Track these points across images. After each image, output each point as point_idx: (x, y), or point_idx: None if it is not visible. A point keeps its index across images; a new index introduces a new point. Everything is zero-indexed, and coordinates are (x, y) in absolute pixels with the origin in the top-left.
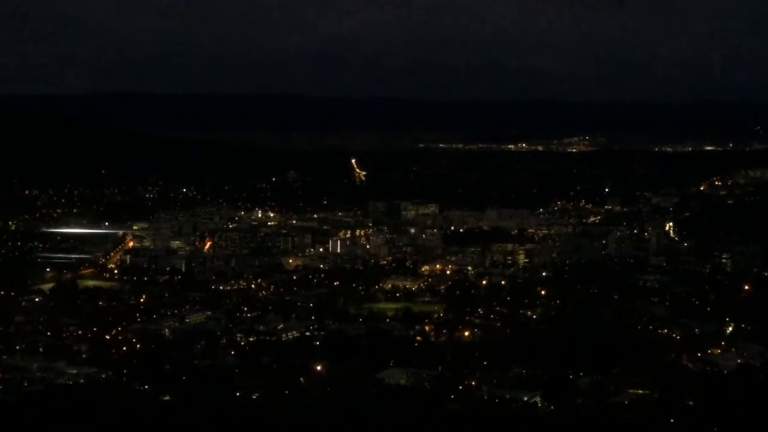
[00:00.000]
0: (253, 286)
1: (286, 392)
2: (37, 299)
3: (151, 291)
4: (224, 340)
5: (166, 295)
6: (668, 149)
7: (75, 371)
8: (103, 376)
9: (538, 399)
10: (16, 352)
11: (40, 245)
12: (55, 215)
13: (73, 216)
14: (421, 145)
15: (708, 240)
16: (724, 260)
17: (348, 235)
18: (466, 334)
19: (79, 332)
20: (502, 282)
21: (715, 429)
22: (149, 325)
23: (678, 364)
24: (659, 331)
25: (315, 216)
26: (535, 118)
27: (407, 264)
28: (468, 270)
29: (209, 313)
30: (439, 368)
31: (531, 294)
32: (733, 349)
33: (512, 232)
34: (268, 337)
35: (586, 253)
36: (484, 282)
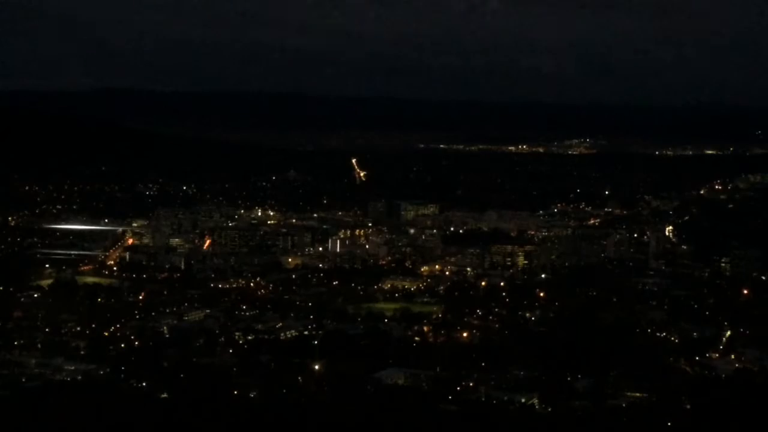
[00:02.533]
0: (252, 284)
1: (284, 391)
2: (35, 295)
3: (150, 288)
4: (222, 339)
5: (165, 292)
6: (669, 153)
7: (73, 368)
8: (101, 372)
9: (535, 401)
10: (14, 348)
11: (39, 241)
12: (54, 211)
13: (72, 212)
14: (422, 146)
15: (707, 244)
16: (723, 264)
17: (347, 235)
18: (465, 335)
19: (78, 329)
20: (501, 283)
21: None
22: (148, 322)
23: (676, 368)
24: (657, 334)
25: (315, 215)
26: (536, 120)
27: (406, 264)
28: (467, 271)
29: (208, 311)
30: (437, 369)
31: (530, 296)
32: (732, 354)
33: (512, 234)
34: (266, 336)
35: (586, 256)
36: (483, 283)
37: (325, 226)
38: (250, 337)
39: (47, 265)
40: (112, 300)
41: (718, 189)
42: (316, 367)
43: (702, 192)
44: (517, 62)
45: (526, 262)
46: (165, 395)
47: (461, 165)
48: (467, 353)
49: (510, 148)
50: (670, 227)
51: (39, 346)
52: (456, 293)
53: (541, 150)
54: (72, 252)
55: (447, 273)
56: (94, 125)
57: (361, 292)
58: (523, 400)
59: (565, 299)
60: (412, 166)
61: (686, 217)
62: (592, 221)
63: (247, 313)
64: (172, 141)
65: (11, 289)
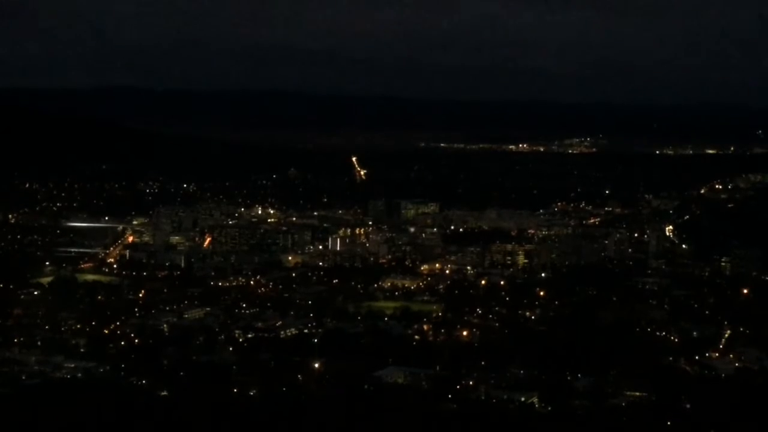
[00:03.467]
0: (252, 282)
1: (284, 389)
2: (36, 293)
3: (150, 286)
4: (222, 337)
5: (165, 290)
6: (669, 152)
7: (73, 365)
8: (101, 370)
9: (535, 400)
10: (14, 345)
11: (40, 239)
12: (54, 209)
13: (72, 210)
14: (422, 145)
15: (708, 243)
16: (723, 264)
17: (348, 233)
18: (465, 334)
19: (78, 326)
20: (501, 282)
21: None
22: (148, 320)
23: (676, 367)
24: (657, 333)
25: (315, 213)
26: (537, 120)
27: (406, 263)
28: (467, 270)
29: (208, 309)
30: (437, 368)
31: (530, 295)
32: (731, 354)
33: (512, 233)
34: (266, 334)
35: (586, 255)
36: (483, 282)
37: (325, 225)
38: (250, 336)
39: (47, 263)
40: (112, 298)
41: (718, 188)
42: (316, 365)
43: (702, 191)
44: (519, 62)
45: (526, 261)
46: (165, 393)
47: (461, 164)
48: (467, 352)
49: (510, 147)
50: (671, 226)
51: (39, 343)
52: (456, 292)
53: (541, 149)
54: (72, 249)
55: (447, 272)
56: (95, 124)
57: (361, 291)
58: (522, 399)
59: (565, 298)
60: (413, 165)
61: (686, 217)
62: (592, 220)
63: (247, 312)
64: (173, 139)
65: (11, 286)
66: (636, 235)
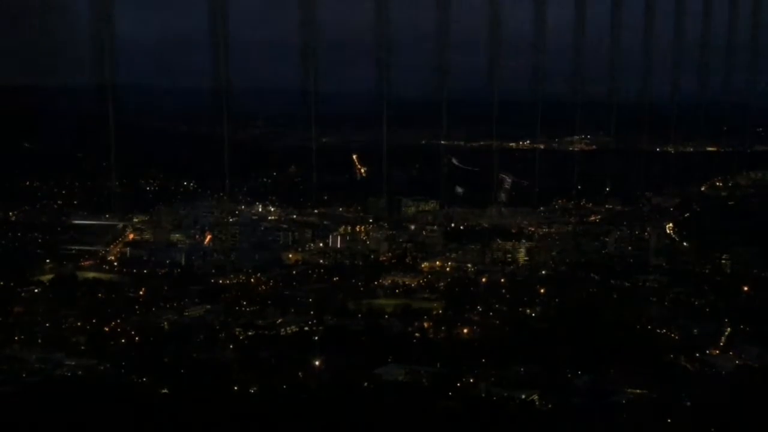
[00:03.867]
0: (252, 280)
1: (284, 386)
2: (36, 290)
3: (151, 284)
4: (223, 334)
5: (166, 288)
6: (670, 149)
7: (74, 363)
8: (102, 368)
9: (536, 397)
10: (14, 342)
11: (40, 236)
12: (55, 206)
13: (73, 207)
14: (423, 142)
15: (708, 241)
16: (724, 261)
17: (348, 231)
18: (465, 331)
19: (78, 324)
20: (502, 280)
21: (713, 430)
22: (148, 317)
23: (676, 365)
24: (658, 331)
25: (315, 211)
26: (537, 117)
27: (407, 260)
28: (468, 267)
29: (208, 306)
30: (438, 365)
31: (530, 292)
32: (731, 351)
33: (512, 230)
34: (266, 332)
35: (586, 252)
36: (483, 279)
37: (325, 222)
38: (250, 333)
39: (48, 260)
40: (113, 295)
41: (718, 185)
42: (316, 363)
43: (703, 189)
44: (518, 59)
45: (526, 258)
46: (165, 390)
47: (462, 161)
48: (467, 349)
49: (511, 144)
50: (671, 224)
51: (39, 341)
52: (456, 289)
53: (542, 146)
54: (73, 247)
55: (447, 269)
56: (96, 120)
57: (362, 288)
58: (523, 397)
59: (566, 295)
60: (413, 163)
61: (687, 214)
62: (592, 218)
63: (248, 309)
64: (173, 136)
65: (12, 284)
66: (636, 232)
